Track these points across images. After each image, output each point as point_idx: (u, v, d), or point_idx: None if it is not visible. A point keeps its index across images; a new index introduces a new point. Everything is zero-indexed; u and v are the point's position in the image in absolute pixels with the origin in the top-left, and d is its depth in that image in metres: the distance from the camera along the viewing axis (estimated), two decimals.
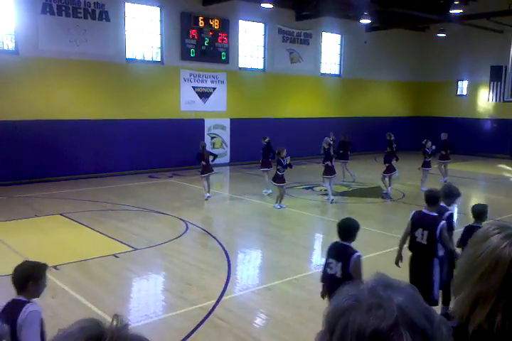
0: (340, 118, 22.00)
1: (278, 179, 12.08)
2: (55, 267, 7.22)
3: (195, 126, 18.38)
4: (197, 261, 8.11)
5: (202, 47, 18.07)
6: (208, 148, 15.09)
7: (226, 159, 19.31)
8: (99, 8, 15.70)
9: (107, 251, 8.43)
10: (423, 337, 0.88)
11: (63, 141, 15.34)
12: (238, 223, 11.29)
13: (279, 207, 12.02)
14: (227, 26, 18.65)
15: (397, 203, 13.20)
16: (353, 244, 4.84)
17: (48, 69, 14.90)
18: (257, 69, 20.39)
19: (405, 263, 5.84)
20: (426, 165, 14.67)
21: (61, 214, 10.97)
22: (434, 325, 0.91)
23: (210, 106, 18.85)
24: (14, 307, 3.41)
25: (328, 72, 23.03)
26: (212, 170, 13.03)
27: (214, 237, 9.56)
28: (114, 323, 0.89)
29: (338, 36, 23.02)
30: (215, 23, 18.26)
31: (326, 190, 13.36)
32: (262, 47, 20.47)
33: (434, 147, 14.85)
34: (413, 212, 5.83)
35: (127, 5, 16.52)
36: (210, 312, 5.99)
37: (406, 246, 5.84)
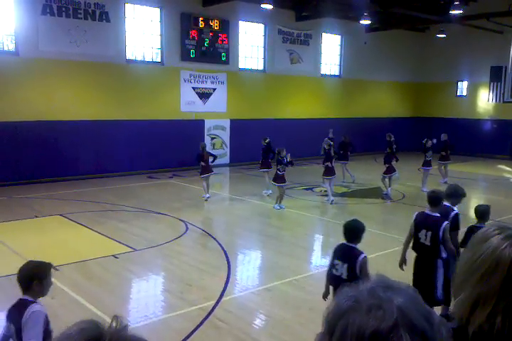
0: (340, 119, 22.00)
1: (278, 179, 12.08)
2: (54, 268, 7.21)
3: (195, 127, 18.38)
4: (197, 262, 8.10)
5: (202, 48, 18.08)
6: (208, 148, 15.09)
7: (226, 160, 19.31)
8: (100, 8, 15.71)
9: (106, 252, 8.43)
10: (423, 338, 0.88)
11: (63, 142, 15.34)
12: (238, 224, 11.29)
13: (278, 207, 12.02)
14: (227, 27, 18.66)
15: (397, 204, 13.20)
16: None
17: (48, 70, 14.90)
18: (257, 70, 20.40)
19: (407, 265, 5.85)
20: (426, 164, 14.69)
21: (61, 215, 10.97)
22: (434, 327, 0.91)
23: (210, 107, 18.86)
24: (19, 307, 3.44)
25: (328, 72, 23.04)
26: (212, 171, 13.03)
27: (214, 238, 9.56)
28: (114, 324, 0.89)
29: (338, 37, 23.03)
30: (215, 24, 18.27)
31: (325, 191, 13.36)
32: (262, 48, 20.47)
33: (435, 140, 15.00)
34: (416, 213, 5.82)
35: (127, 6, 16.53)
36: (209, 313, 5.99)
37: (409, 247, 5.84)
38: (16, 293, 3.60)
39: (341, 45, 23.25)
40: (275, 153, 12.59)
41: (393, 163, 13.97)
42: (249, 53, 20.09)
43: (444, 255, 5.45)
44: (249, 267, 8.51)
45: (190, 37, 17.71)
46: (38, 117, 14.73)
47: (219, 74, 18.88)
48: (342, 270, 4.74)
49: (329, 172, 12.96)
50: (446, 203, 5.87)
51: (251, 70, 20.17)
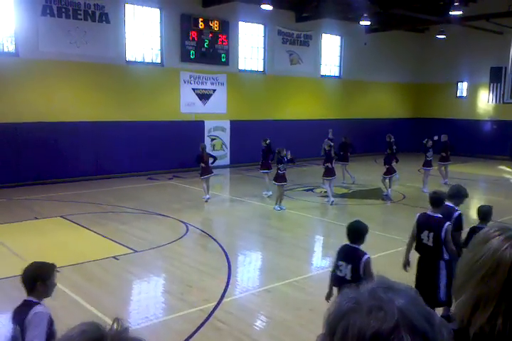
0: (340, 120, 22.00)
1: (279, 178, 12.08)
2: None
3: (195, 128, 18.38)
4: (197, 263, 8.10)
5: (202, 49, 18.09)
6: (208, 150, 15.09)
7: (226, 161, 19.31)
8: (99, 9, 15.72)
9: (107, 253, 8.42)
10: (424, 339, 0.88)
11: (63, 143, 15.34)
12: (238, 225, 11.29)
13: (279, 208, 12.02)
14: (227, 28, 18.67)
15: (397, 205, 13.20)
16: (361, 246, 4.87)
17: (48, 71, 14.91)
18: (256, 71, 20.40)
19: (411, 266, 5.84)
20: (427, 164, 14.69)
21: (61, 217, 10.97)
22: (435, 328, 0.91)
23: (210, 108, 18.86)
24: (23, 308, 3.46)
25: (328, 73, 23.05)
26: (212, 172, 13.02)
27: (214, 239, 9.55)
28: (115, 326, 0.89)
29: (338, 38, 23.04)
30: (215, 25, 18.28)
31: (326, 192, 13.35)
32: (262, 49, 20.48)
33: (436, 137, 15.04)
34: (418, 214, 5.81)
35: (127, 7, 16.54)
36: (210, 315, 5.98)
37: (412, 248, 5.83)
38: (17, 295, 3.61)
39: (341, 46, 23.25)
40: (275, 154, 12.59)
41: (393, 164, 13.97)
42: (249, 54, 20.09)
43: (446, 256, 5.44)
44: (249, 268, 8.51)
45: (190, 38, 17.72)
46: (38, 118, 14.73)
47: (219, 75, 18.89)
48: (346, 271, 4.76)
49: (329, 173, 12.96)
50: (449, 203, 5.87)
51: (251, 71, 20.17)
